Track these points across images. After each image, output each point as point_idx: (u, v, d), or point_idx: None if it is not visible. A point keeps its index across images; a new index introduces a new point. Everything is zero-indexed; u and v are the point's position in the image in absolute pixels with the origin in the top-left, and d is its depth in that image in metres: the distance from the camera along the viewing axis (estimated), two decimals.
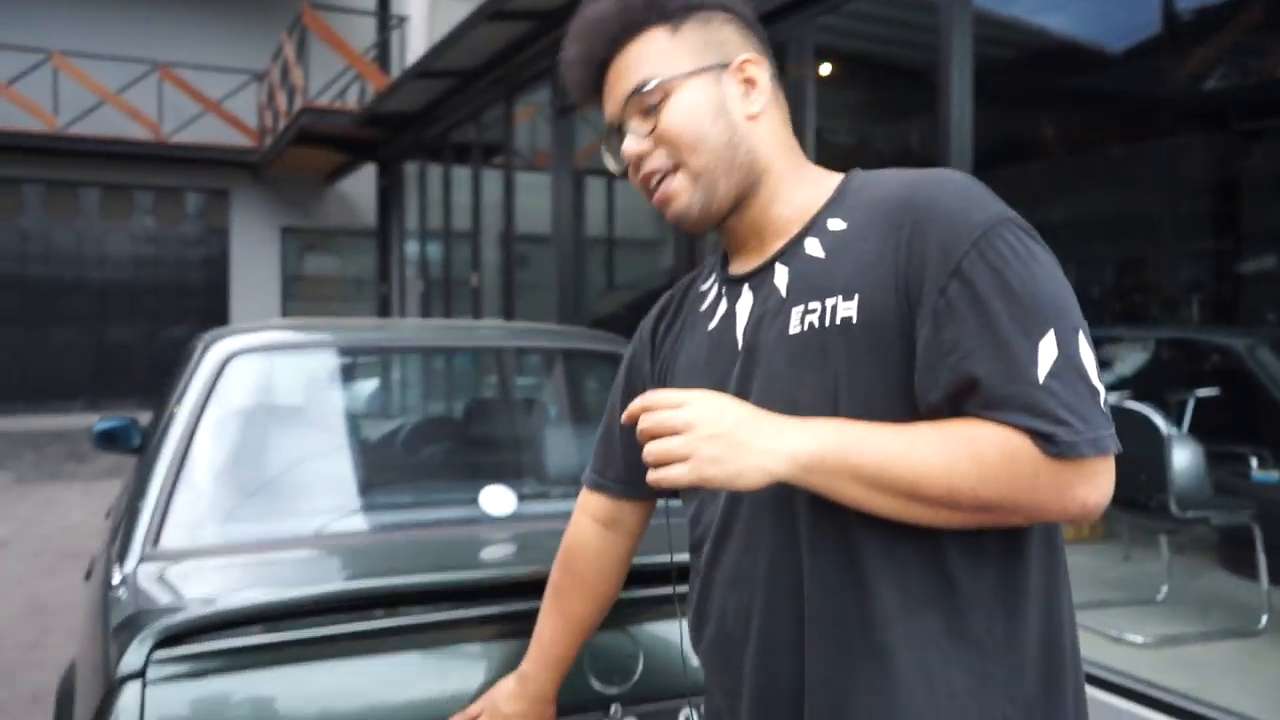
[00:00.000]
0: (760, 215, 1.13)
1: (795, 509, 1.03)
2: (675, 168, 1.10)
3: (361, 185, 13.83)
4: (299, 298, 15.36)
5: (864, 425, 0.97)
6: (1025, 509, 0.94)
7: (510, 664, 1.43)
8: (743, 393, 1.07)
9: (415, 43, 11.94)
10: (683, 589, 1.24)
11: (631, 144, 1.11)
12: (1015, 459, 0.91)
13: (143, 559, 1.78)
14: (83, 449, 10.90)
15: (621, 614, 1.46)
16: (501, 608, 1.47)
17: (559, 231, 6.99)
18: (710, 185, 1.09)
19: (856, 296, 1.00)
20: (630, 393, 1.29)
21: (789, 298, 1.07)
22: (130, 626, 1.40)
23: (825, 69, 5.67)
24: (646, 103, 1.09)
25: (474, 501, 2.13)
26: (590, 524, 1.35)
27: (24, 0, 13.60)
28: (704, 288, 1.24)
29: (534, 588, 1.44)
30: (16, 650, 4.45)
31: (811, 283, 1.06)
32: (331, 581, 1.76)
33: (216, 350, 2.19)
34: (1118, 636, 3.39)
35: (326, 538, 2.01)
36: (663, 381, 1.24)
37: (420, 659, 1.45)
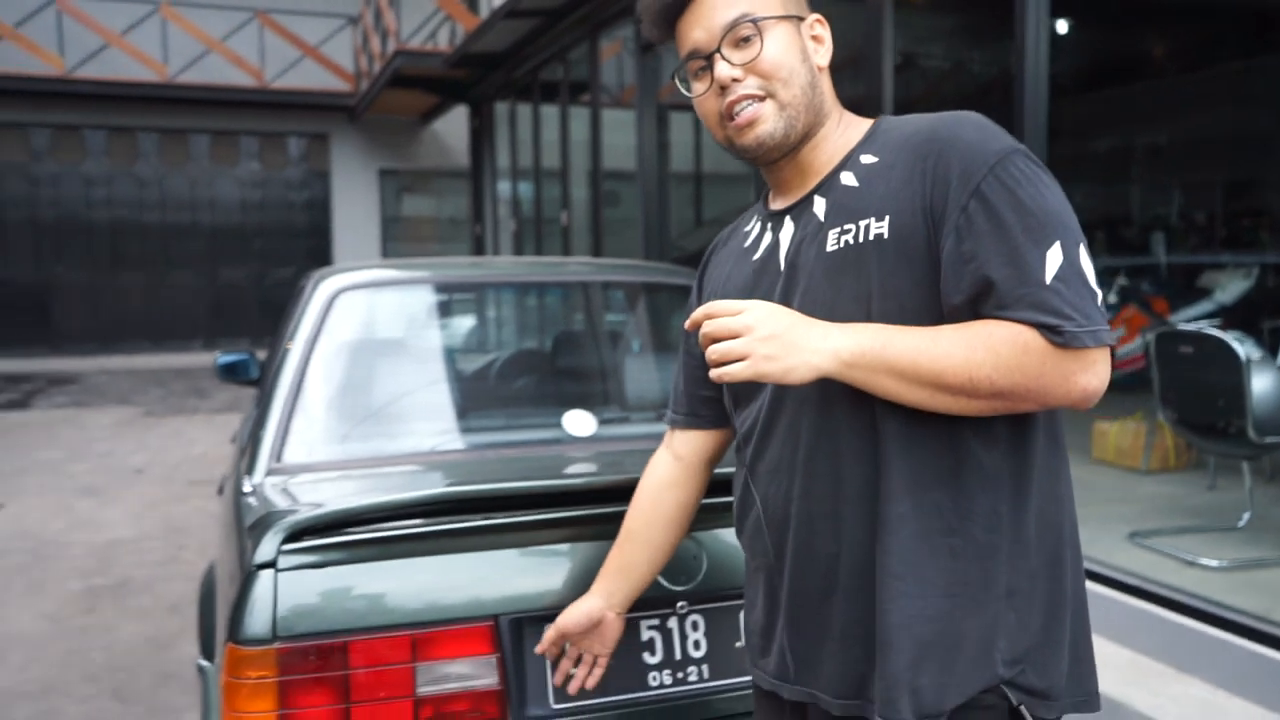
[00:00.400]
0: (808, 154, 1.28)
1: (832, 404, 1.19)
2: (764, 97, 1.23)
3: (454, 126, 14.04)
4: (398, 239, 15.74)
5: (896, 328, 1.12)
6: (1035, 395, 1.08)
7: (589, 562, 1.61)
8: (786, 304, 1.22)
9: None
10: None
11: (725, 69, 1.23)
12: (1026, 350, 1.06)
13: (269, 472, 2.01)
14: (203, 385, 11.56)
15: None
16: (582, 511, 1.65)
17: (644, 168, 7.07)
18: (793, 117, 1.24)
19: (887, 217, 1.16)
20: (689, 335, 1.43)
21: (827, 221, 1.23)
22: (262, 524, 1.60)
23: None
24: (741, 34, 1.23)
25: (558, 424, 2.33)
26: (671, 459, 1.51)
27: None
28: (747, 228, 1.40)
29: (610, 495, 1.62)
30: (156, 565, 4.89)
31: (847, 207, 1.21)
32: (434, 488, 1.96)
33: (325, 287, 2.41)
34: (1191, 560, 3.40)
35: (427, 454, 2.22)
36: None
37: (512, 556, 1.63)
